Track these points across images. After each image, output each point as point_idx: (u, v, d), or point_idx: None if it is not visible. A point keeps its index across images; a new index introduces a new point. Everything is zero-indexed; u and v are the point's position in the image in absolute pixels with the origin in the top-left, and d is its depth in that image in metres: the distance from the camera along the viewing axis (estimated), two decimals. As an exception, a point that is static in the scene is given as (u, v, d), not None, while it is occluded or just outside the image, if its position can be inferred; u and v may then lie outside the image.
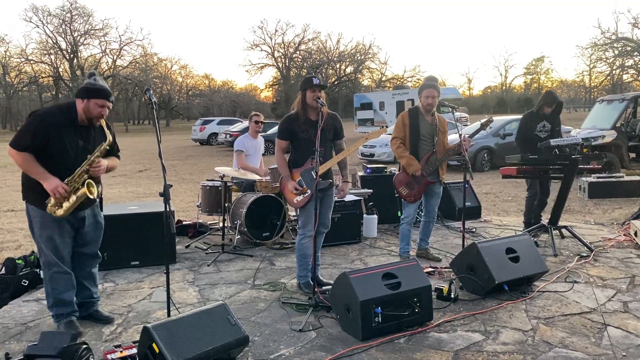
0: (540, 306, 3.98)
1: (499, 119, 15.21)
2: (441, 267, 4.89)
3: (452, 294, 4.08)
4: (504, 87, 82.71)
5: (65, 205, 3.38)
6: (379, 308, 3.42)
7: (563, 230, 5.96)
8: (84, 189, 3.36)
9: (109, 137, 3.56)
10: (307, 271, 4.38)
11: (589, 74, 69.31)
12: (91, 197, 3.39)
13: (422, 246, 5.35)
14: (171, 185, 3.27)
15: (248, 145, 6.54)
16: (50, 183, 3.32)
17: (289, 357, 3.21)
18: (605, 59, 57.55)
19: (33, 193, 3.44)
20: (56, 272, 3.53)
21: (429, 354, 3.22)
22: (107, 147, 3.54)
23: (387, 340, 3.39)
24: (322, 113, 4.12)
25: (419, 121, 5.01)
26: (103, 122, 3.55)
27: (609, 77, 61.34)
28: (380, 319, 3.43)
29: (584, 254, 5.31)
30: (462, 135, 4.80)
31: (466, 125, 20.88)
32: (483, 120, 5.11)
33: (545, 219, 6.02)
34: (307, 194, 4.21)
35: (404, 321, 3.53)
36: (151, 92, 3.39)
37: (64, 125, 3.40)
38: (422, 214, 5.32)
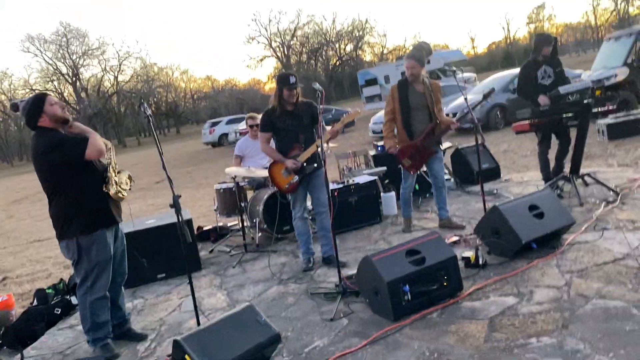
0: (571, 259, 3.89)
1: (507, 73, 14.87)
2: (467, 235, 4.81)
3: (480, 260, 4.01)
4: (508, 41, 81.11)
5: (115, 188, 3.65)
6: (407, 286, 3.38)
7: (586, 177, 5.82)
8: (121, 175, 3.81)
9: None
10: (306, 246, 4.81)
11: (593, 13, 67.80)
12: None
13: (444, 215, 5.26)
14: (180, 196, 3.25)
15: (247, 147, 6.52)
16: None
17: (324, 348, 3.19)
18: (608, -6, 56.09)
19: (80, 221, 3.42)
20: (98, 298, 3.51)
21: (463, 325, 3.17)
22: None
23: (419, 317, 3.35)
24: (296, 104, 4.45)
25: (408, 93, 4.93)
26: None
27: (614, 13, 59.77)
28: (409, 296, 3.38)
29: (611, 199, 5.17)
30: (459, 114, 4.84)
31: (474, 85, 20.52)
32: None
33: (566, 169, 5.86)
34: (294, 181, 4.59)
35: (434, 295, 3.48)
36: (145, 105, 3.36)
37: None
38: (432, 183, 5.24)
